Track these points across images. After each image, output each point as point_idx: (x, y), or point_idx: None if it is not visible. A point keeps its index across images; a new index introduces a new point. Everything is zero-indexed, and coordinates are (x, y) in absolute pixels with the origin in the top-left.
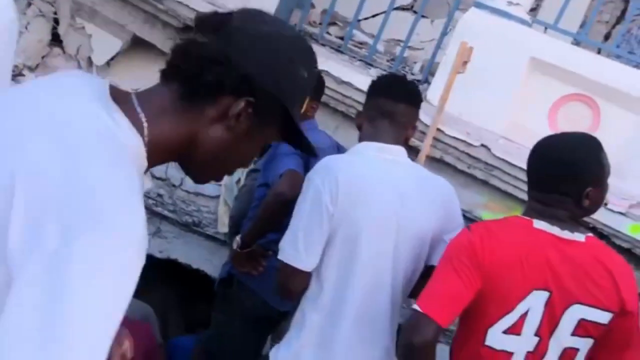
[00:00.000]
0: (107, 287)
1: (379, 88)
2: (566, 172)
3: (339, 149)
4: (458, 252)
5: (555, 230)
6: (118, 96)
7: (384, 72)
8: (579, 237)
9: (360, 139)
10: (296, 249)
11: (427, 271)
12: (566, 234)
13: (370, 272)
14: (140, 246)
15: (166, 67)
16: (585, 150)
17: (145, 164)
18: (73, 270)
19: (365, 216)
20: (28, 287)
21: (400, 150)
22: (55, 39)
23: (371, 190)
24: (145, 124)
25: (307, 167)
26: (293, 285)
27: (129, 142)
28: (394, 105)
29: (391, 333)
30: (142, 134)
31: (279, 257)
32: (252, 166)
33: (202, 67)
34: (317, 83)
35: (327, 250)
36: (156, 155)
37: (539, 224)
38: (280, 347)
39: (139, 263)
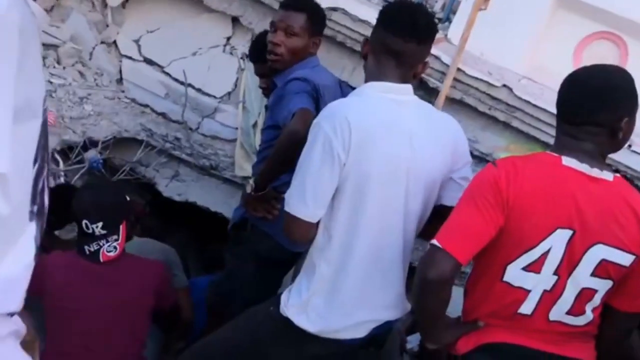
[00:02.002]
0: None
1: (386, 22)
2: (606, 99)
3: (342, 87)
4: (481, 189)
5: (584, 167)
6: None
7: None
8: (608, 175)
9: (366, 78)
10: (304, 200)
11: (438, 211)
12: (595, 172)
13: (380, 218)
14: None
15: None
16: (622, 78)
17: None
18: None
19: (375, 161)
20: None
21: (406, 88)
22: None
23: (380, 134)
24: None
25: (317, 106)
26: (300, 235)
27: None
28: (402, 44)
29: (402, 278)
30: None
31: (285, 208)
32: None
33: None
34: (318, 18)
35: (336, 199)
36: None
37: (568, 161)
38: (291, 294)
39: None
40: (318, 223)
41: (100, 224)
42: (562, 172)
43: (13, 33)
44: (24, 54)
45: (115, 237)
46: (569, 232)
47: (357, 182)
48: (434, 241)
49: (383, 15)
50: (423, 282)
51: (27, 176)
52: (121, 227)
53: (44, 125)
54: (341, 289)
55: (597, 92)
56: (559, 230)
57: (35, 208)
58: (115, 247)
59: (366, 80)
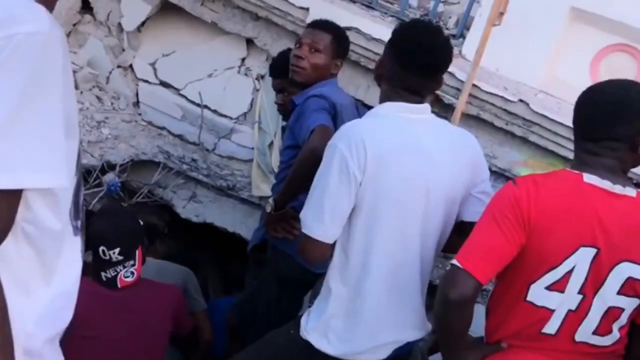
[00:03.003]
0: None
1: (404, 60)
2: (620, 113)
3: (358, 107)
4: (502, 207)
5: (606, 184)
6: None
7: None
8: (631, 192)
9: (382, 99)
10: (321, 221)
11: (459, 227)
12: (618, 189)
13: (397, 237)
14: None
15: None
16: (637, 92)
17: None
18: None
19: (392, 180)
20: None
21: (423, 108)
22: (86, 6)
23: (398, 153)
24: None
25: (334, 124)
26: (315, 257)
27: None
28: (424, 82)
29: (422, 297)
30: None
31: (302, 229)
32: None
33: None
34: (342, 41)
35: (353, 219)
36: None
37: (590, 178)
38: (310, 316)
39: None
40: (334, 244)
41: (117, 250)
42: (583, 189)
43: (57, 50)
44: (65, 71)
45: (132, 262)
46: (593, 251)
47: (373, 201)
48: (455, 261)
49: (400, 48)
50: (444, 302)
51: (70, 192)
52: (137, 252)
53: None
54: (360, 310)
55: (613, 107)
56: (582, 249)
57: (79, 223)
58: (132, 273)
59: (381, 101)
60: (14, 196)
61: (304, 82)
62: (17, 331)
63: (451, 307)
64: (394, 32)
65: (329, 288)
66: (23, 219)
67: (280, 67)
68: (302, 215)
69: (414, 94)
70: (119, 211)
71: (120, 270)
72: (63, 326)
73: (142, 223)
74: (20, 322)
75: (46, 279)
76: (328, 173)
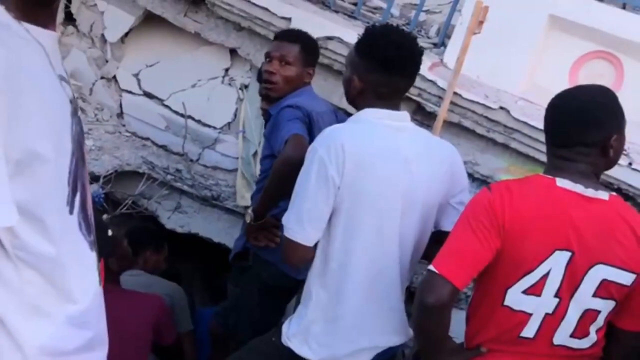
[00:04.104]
0: None
1: (390, 63)
2: (591, 119)
3: (337, 114)
4: (476, 213)
5: (578, 188)
6: None
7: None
8: (603, 195)
9: (360, 105)
10: (300, 224)
11: (437, 236)
12: (590, 192)
13: (375, 242)
14: None
15: None
16: (606, 96)
17: None
18: None
19: (370, 186)
20: None
21: (403, 115)
22: (69, 18)
23: (376, 159)
24: None
25: (310, 132)
26: (297, 259)
27: None
28: (406, 82)
29: (401, 303)
30: None
31: (284, 233)
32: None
33: None
34: (311, 49)
35: (332, 223)
36: None
37: (562, 182)
38: (292, 322)
39: None
40: (316, 247)
41: None
42: (556, 193)
43: None
44: (20, 93)
45: None
46: (567, 254)
47: (352, 205)
48: (431, 266)
49: (368, 52)
50: (422, 307)
51: (61, 213)
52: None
53: (77, 158)
54: (340, 315)
55: (582, 113)
56: (557, 252)
57: (93, 237)
58: None
59: (359, 108)
60: None
61: (279, 97)
62: (28, 355)
63: (428, 312)
64: (358, 44)
65: (309, 292)
66: (13, 246)
67: None
68: (284, 219)
69: (391, 97)
70: None
71: None
72: (83, 342)
73: (110, 233)
74: (30, 346)
75: (61, 299)
76: (307, 177)
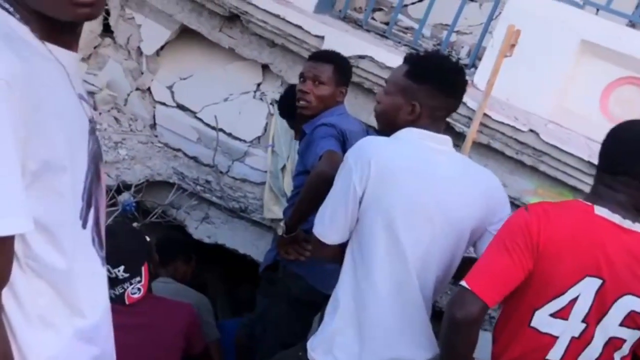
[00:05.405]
0: None
1: (436, 84)
2: None
3: (368, 133)
4: (512, 232)
5: (616, 218)
6: None
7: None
8: (639, 228)
9: (402, 124)
10: (322, 222)
11: (472, 262)
12: (627, 224)
13: (395, 256)
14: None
15: None
16: None
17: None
18: None
19: (397, 202)
20: None
21: (445, 139)
22: (107, 30)
23: (404, 175)
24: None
25: (344, 150)
26: (321, 254)
27: None
28: (451, 104)
29: (426, 318)
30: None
31: (313, 229)
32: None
33: None
34: (344, 69)
35: (358, 232)
36: None
37: (601, 211)
38: (317, 336)
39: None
40: (343, 250)
41: (122, 268)
42: (593, 220)
43: (9, 94)
44: (39, 106)
45: (138, 278)
46: (598, 281)
47: (373, 217)
48: (463, 282)
49: (447, 82)
50: (450, 322)
51: (73, 228)
52: (143, 268)
53: (92, 175)
54: (364, 325)
55: (636, 144)
56: (588, 279)
57: (104, 253)
58: (139, 289)
59: (402, 126)
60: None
61: (313, 115)
62: None
63: (456, 327)
64: (414, 72)
65: (336, 301)
66: (25, 255)
67: (286, 106)
68: (316, 215)
69: (442, 119)
70: (119, 230)
71: (127, 287)
72: (88, 358)
73: (148, 239)
74: (37, 357)
75: (70, 312)
76: (336, 181)
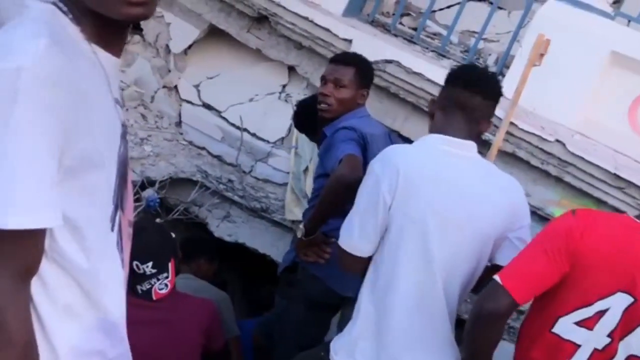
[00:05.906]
0: None
1: (455, 78)
2: None
3: (390, 136)
4: (555, 235)
5: None
6: None
7: (457, 64)
8: None
9: (430, 130)
10: (351, 235)
11: (492, 270)
12: None
13: (419, 266)
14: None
15: None
16: None
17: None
18: None
19: (420, 209)
20: None
21: (470, 145)
22: (136, 27)
23: (424, 183)
24: None
25: (364, 154)
26: (348, 267)
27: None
28: (469, 97)
29: (449, 327)
30: None
31: (339, 241)
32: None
33: None
34: (365, 71)
35: (383, 241)
36: None
37: None
38: (339, 339)
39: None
40: (370, 259)
41: (150, 264)
42: (637, 238)
43: (44, 86)
44: (79, 102)
45: (165, 274)
46: (629, 299)
47: (399, 226)
48: (496, 277)
49: (453, 73)
50: (478, 313)
51: (102, 227)
52: (170, 264)
53: (120, 178)
54: (385, 331)
55: None
56: (619, 294)
57: (124, 255)
58: (166, 285)
59: (430, 131)
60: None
61: (333, 118)
62: (60, 356)
63: (483, 319)
64: (463, 80)
65: (359, 307)
66: (50, 248)
67: (302, 121)
68: (341, 229)
69: (461, 113)
70: (149, 226)
71: (155, 283)
72: (103, 347)
73: (174, 236)
74: (62, 346)
75: (92, 306)
76: (362, 192)
